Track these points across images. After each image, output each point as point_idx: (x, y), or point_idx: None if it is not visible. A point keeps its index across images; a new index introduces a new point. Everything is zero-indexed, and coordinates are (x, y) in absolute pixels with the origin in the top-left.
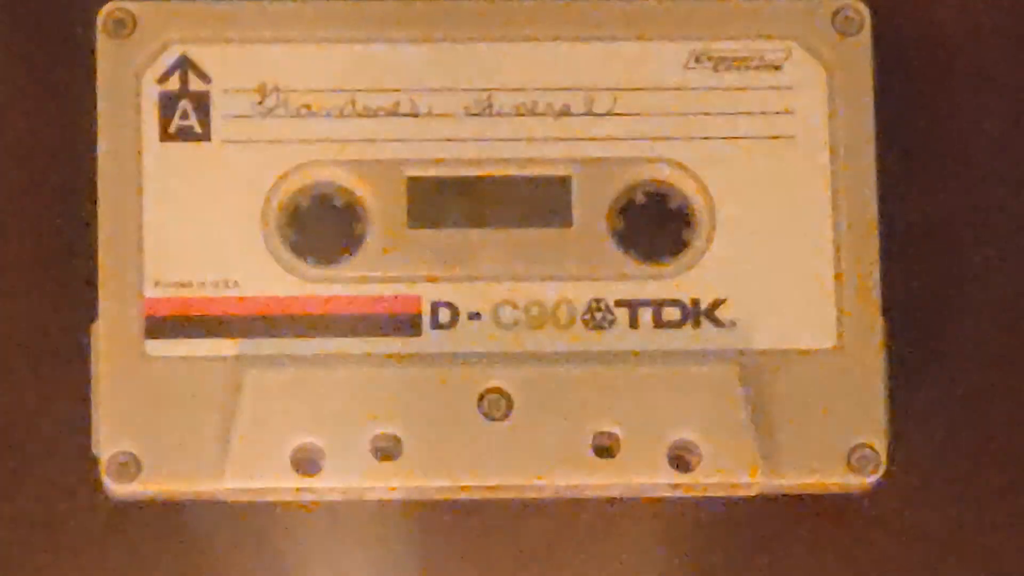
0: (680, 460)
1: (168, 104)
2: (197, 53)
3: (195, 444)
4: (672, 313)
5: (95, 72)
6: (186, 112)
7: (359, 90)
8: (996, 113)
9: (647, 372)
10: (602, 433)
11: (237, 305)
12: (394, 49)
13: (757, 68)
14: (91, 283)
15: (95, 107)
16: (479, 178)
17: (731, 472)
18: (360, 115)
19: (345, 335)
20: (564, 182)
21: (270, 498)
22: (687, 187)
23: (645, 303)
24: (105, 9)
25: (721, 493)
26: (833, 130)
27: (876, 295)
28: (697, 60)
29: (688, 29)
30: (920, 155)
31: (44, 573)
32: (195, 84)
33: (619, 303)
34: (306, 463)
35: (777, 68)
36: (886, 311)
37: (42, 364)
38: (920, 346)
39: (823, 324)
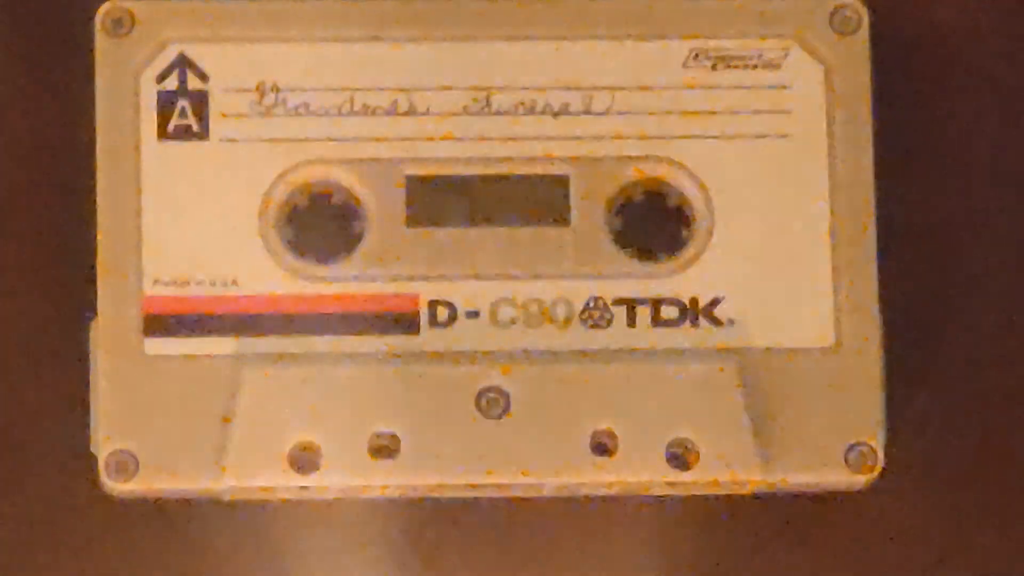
0: (678, 458)
1: (167, 103)
2: (195, 52)
3: (193, 442)
4: (670, 311)
5: (94, 71)
6: (184, 111)
7: (357, 89)
8: (994, 112)
9: (645, 370)
10: (600, 431)
11: (235, 303)
12: (392, 48)
13: (755, 67)
14: (90, 281)
15: (94, 106)
16: (477, 177)
17: (729, 470)
18: (358, 114)
19: (343, 333)
20: (562, 181)
21: (268, 496)
22: (685, 186)
23: (643, 301)
24: (104, 8)
25: (719, 491)
26: (831, 129)
27: (873, 294)
28: (695, 59)
29: (686, 28)
30: (918, 154)
31: (42, 570)
32: (193, 83)
33: (617, 301)
34: (304, 461)
35: (775, 67)
36: (883, 310)
37: (40, 362)
38: (917, 345)
39: (821, 323)
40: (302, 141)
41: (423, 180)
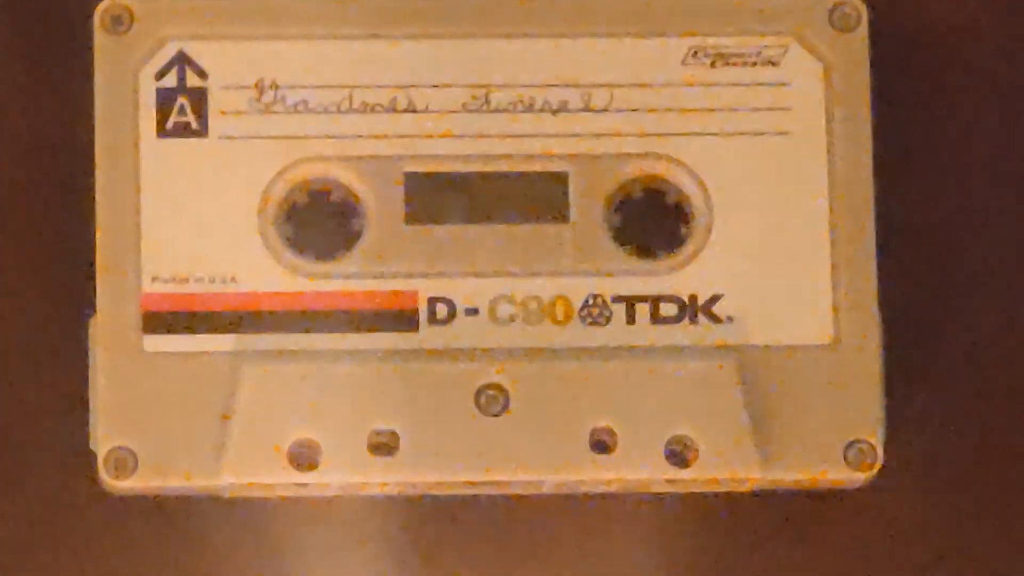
0: (677, 456)
1: (165, 100)
2: (194, 49)
3: (192, 439)
4: (669, 309)
5: (93, 68)
6: (183, 108)
7: (356, 86)
8: (993, 110)
9: (644, 368)
10: (599, 429)
11: (234, 300)
12: (391, 45)
13: (754, 64)
14: (89, 278)
15: (93, 103)
16: (476, 174)
17: (728, 467)
18: (357, 111)
19: (342, 331)
20: (561, 178)
21: (267, 493)
22: (684, 183)
23: (642, 299)
24: (102, 5)
25: (718, 488)
26: (830, 126)
27: (873, 291)
28: (694, 56)
29: (685, 25)
30: (917, 151)
31: (41, 568)
32: (192, 80)
33: (616, 299)
34: (303, 458)
35: (774, 64)
36: (882, 307)
37: (40, 359)
38: (916, 342)
39: (820, 320)
40: (301, 138)
41: (422, 177)
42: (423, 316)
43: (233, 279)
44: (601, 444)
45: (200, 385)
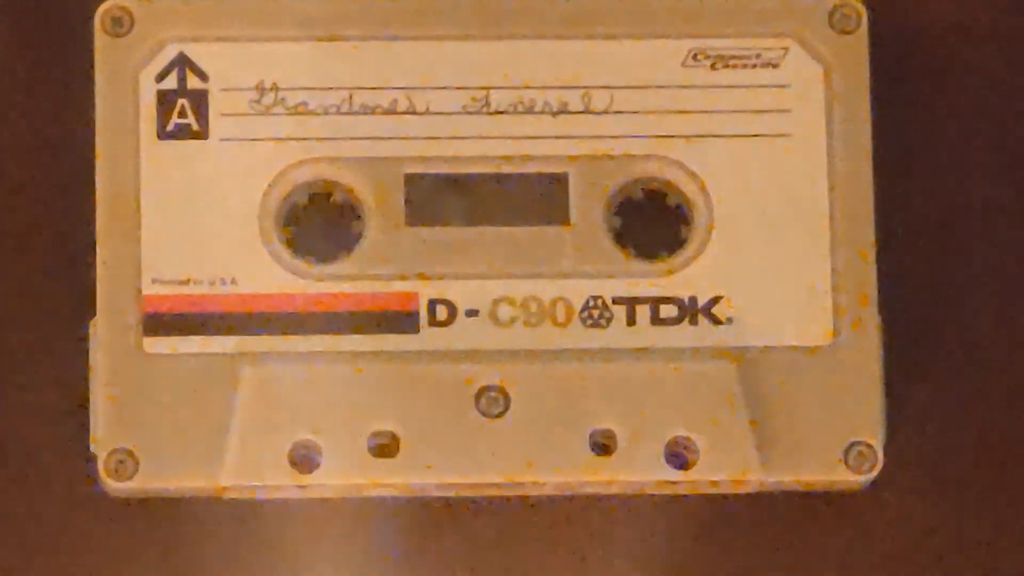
0: (677, 457)
1: (166, 102)
2: (195, 51)
3: (193, 441)
4: (669, 310)
5: (93, 70)
6: (184, 110)
7: (356, 88)
8: (992, 111)
9: (644, 369)
10: (599, 430)
11: (235, 302)
12: (391, 47)
13: (754, 66)
14: (90, 280)
15: (93, 105)
16: (477, 176)
17: (728, 469)
18: (357, 113)
19: (343, 332)
20: (561, 180)
21: (268, 495)
22: (684, 185)
23: (642, 300)
24: (103, 7)
25: (718, 490)
26: (830, 128)
27: (873, 292)
28: (695, 58)
29: (686, 27)
30: (917, 153)
31: (42, 569)
32: (193, 82)
33: (616, 300)
34: (303, 460)
35: (774, 66)
36: (883, 308)
37: (40, 361)
38: (916, 343)
39: (820, 321)
40: (301, 140)
41: (423, 179)
42: (423, 318)
43: (233, 281)
44: (601, 446)
45: (201, 387)
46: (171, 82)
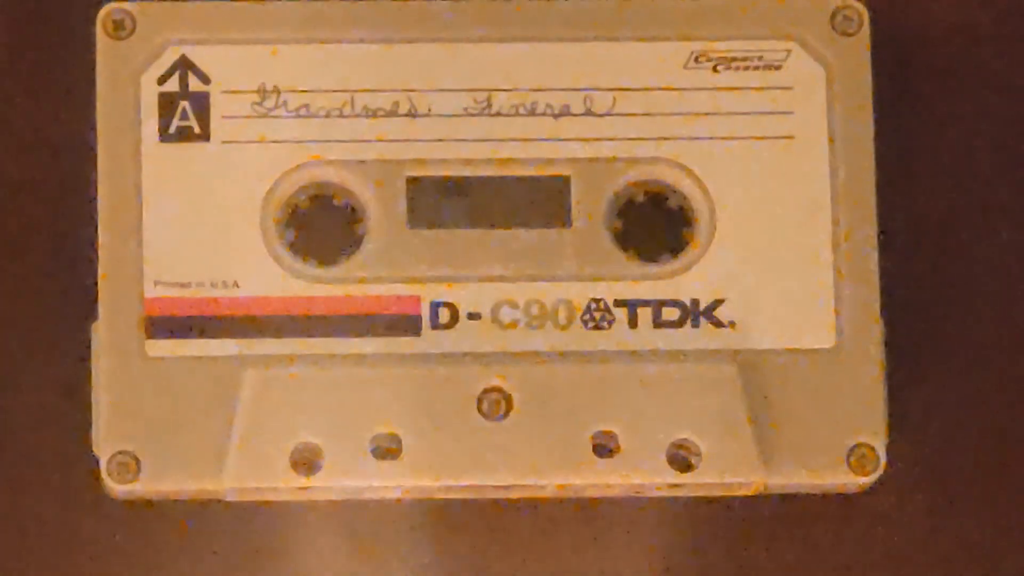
0: (679, 460)
1: (168, 104)
2: (196, 54)
3: (195, 444)
4: (671, 313)
5: (95, 73)
6: (186, 112)
7: (358, 90)
8: (994, 112)
9: (646, 372)
10: (602, 433)
11: (237, 305)
12: (393, 49)
13: (756, 68)
14: (91, 283)
15: (95, 107)
16: (479, 178)
17: (730, 471)
18: (359, 115)
19: (345, 335)
20: (563, 182)
21: (270, 498)
22: (686, 187)
23: (644, 303)
24: (104, 10)
25: (720, 493)
26: (832, 130)
27: (875, 295)
28: (696, 60)
29: (688, 29)
30: (919, 154)
31: (44, 572)
32: (195, 85)
33: (618, 303)
34: (306, 463)
35: (776, 68)
36: (885, 310)
37: (42, 364)
38: (919, 346)
39: (822, 324)
40: (303, 142)
41: (425, 181)
42: (426, 320)
43: (235, 284)
44: (603, 448)
45: (203, 390)
46: (173, 85)
